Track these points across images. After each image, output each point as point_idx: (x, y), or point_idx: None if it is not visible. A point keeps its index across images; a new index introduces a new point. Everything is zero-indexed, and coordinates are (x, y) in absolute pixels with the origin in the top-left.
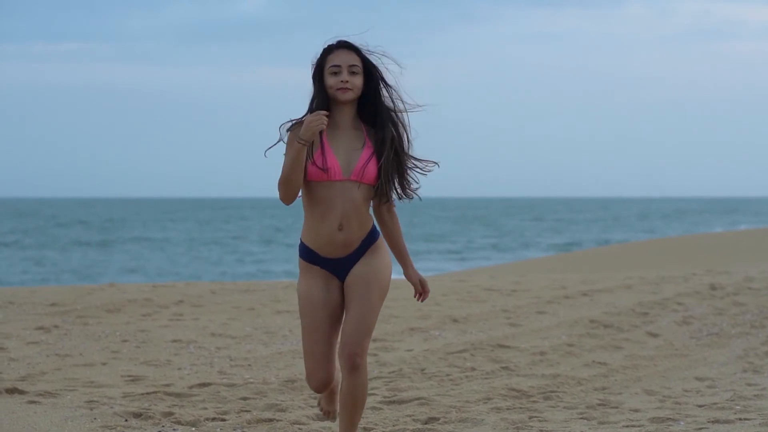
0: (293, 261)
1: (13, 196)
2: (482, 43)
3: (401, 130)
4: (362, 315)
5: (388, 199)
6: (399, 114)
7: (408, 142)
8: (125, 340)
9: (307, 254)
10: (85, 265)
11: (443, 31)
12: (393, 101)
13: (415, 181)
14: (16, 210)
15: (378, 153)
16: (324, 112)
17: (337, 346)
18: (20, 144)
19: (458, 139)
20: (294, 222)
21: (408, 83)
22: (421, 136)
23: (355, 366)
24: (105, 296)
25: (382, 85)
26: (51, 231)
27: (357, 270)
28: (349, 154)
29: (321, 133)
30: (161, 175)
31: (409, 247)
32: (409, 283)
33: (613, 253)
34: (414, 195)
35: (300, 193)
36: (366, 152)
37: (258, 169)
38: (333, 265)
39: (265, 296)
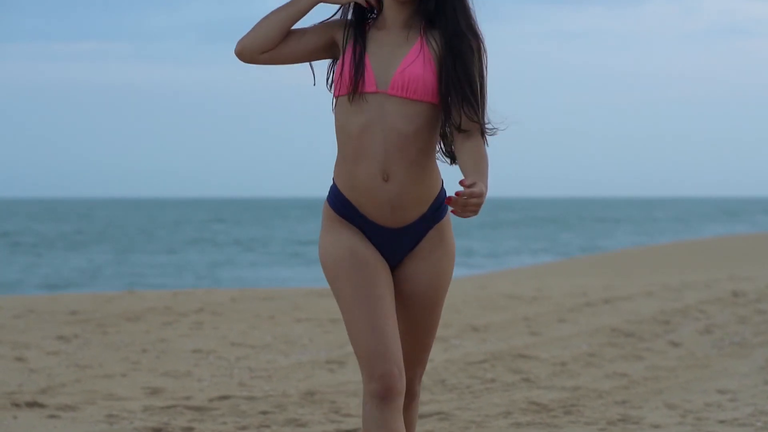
0: None
1: (30, 196)
2: (506, 41)
3: (478, 32)
4: (424, 341)
5: (459, 128)
6: (474, 22)
7: (484, 59)
8: (145, 350)
9: (339, 204)
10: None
11: None
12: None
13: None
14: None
15: (442, 54)
16: None
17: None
18: (39, 143)
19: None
20: None
21: None
22: None
23: (411, 395)
24: (124, 304)
25: None
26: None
27: (422, 275)
28: (390, 58)
29: (360, 30)
30: (181, 174)
31: None
32: None
33: (635, 256)
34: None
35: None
36: (414, 51)
37: (279, 168)
38: (373, 232)
39: (285, 304)
